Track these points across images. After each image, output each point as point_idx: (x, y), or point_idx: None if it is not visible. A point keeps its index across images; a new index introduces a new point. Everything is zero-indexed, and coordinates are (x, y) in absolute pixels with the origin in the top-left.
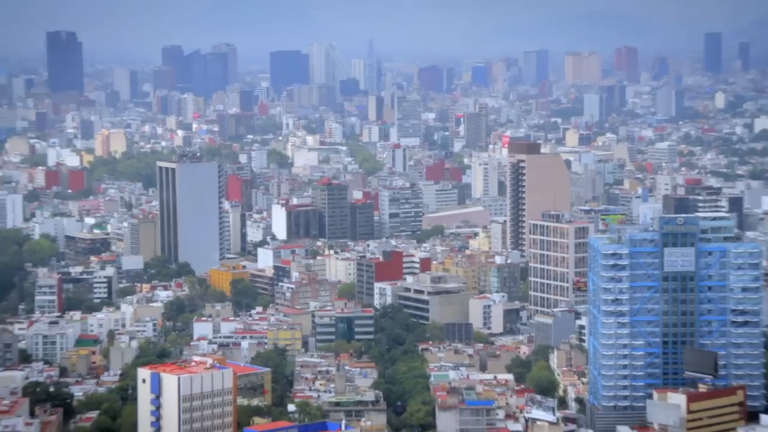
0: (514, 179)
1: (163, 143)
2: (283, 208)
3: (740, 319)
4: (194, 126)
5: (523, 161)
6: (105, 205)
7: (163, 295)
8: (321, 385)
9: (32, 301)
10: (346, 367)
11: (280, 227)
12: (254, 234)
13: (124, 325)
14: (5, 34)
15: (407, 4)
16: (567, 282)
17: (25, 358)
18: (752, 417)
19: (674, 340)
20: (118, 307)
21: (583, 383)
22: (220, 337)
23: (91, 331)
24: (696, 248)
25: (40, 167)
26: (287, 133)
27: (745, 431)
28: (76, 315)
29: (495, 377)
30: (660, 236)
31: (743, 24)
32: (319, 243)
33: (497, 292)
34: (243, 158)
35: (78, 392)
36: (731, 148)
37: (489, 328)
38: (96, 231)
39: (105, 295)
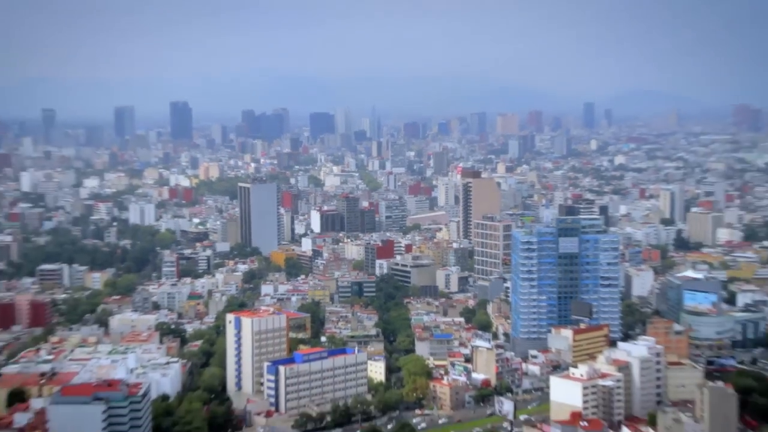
0: (464, 194)
1: (242, 171)
2: (318, 212)
3: (606, 283)
4: (261, 160)
5: (470, 183)
6: (205, 211)
7: (242, 267)
8: (342, 324)
9: (160, 271)
10: (358, 314)
11: (316, 224)
12: (299, 229)
13: (217, 286)
14: (145, 105)
15: (397, 83)
16: (498, 259)
17: (156, 307)
18: (613, 344)
19: (565, 296)
20: (214, 275)
21: (508, 323)
22: (278, 294)
23: (197, 290)
24: (579, 238)
25: (165, 186)
26: (320, 165)
27: (609, 353)
28: (188, 280)
29: (452, 320)
30: (556, 230)
31: (608, 97)
32: (340, 234)
33: (454, 265)
34: (292, 181)
35: (189, 329)
36: (600, 175)
37: (449, 289)
38: (200, 227)
39: (206, 268)
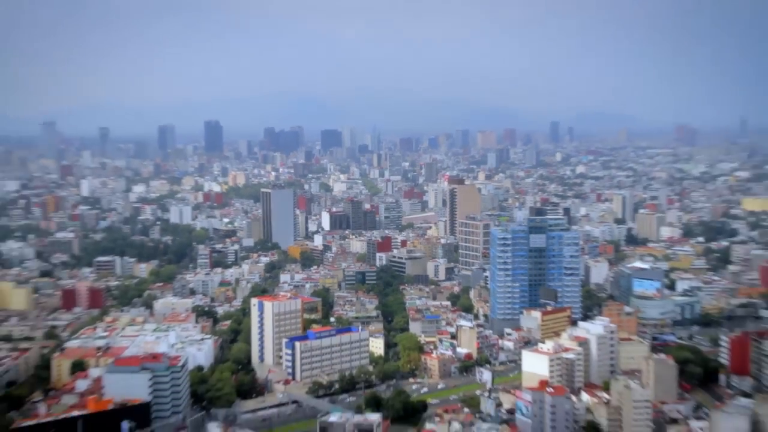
0: (450, 198)
1: (264, 179)
2: (328, 213)
3: (569, 272)
4: (280, 170)
5: (455, 188)
6: (233, 212)
7: (264, 259)
8: (348, 307)
9: (196, 262)
10: (361, 298)
11: (326, 223)
12: (312, 227)
13: (243, 275)
14: (184, 125)
15: (394, 105)
16: (479, 252)
17: (193, 292)
18: (574, 323)
19: (535, 283)
20: (241, 266)
21: (487, 306)
22: (294, 282)
23: (227, 278)
24: (546, 234)
25: (200, 192)
26: (330, 173)
27: (571, 331)
28: (219, 270)
29: (440, 303)
30: (528, 228)
31: (570, 117)
32: (347, 232)
33: (442, 258)
34: (306, 187)
35: (220, 311)
36: (564, 182)
37: (437, 277)
38: (229, 225)
39: (234, 260)
